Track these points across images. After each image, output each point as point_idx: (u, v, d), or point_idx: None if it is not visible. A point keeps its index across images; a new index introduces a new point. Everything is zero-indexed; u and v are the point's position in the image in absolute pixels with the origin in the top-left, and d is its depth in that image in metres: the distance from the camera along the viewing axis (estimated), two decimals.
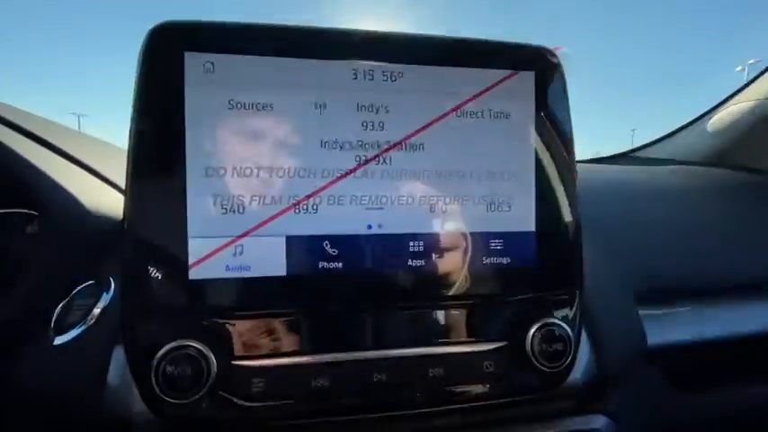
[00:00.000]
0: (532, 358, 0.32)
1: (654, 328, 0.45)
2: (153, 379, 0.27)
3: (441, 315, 0.33)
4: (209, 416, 0.30)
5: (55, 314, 0.36)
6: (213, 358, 0.28)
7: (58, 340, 0.35)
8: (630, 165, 0.88)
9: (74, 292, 0.37)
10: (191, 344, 0.28)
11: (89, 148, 0.44)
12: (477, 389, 0.33)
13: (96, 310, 0.36)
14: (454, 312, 0.34)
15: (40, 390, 0.34)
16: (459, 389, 0.33)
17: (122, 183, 0.30)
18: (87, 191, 0.40)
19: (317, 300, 0.32)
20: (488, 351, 0.33)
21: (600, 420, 0.40)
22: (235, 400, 0.30)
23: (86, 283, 0.38)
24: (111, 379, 0.33)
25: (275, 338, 0.31)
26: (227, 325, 0.30)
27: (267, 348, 0.31)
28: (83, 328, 0.35)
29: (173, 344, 0.27)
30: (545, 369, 0.32)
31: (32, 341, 0.36)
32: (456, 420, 0.37)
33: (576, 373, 0.37)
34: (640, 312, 0.46)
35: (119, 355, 0.33)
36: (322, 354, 0.31)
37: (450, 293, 0.33)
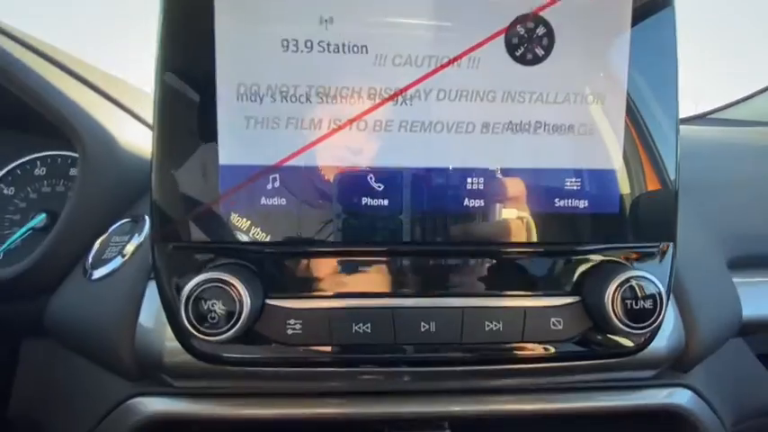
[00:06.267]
0: (613, 317, 0.26)
1: (750, 299, 0.39)
2: (182, 313, 0.25)
3: (499, 264, 0.29)
4: (240, 357, 0.28)
5: (93, 250, 0.36)
6: (246, 294, 0.25)
7: (95, 274, 0.34)
8: (708, 126, 0.77)
9: (110, 229, 0.36)
10: (221, 277, 0.25)
11: (120, 87, 0.43)
12: (539, 349, 0.29)
13: (130, 247, 0.35)
14: (516, 261, 0.29)
15: (76, 323, 0.33)
16: (517, 347, 0.29)
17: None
18: (125, 130, 0.39)
19: (357, 239, 0.28)
20: (556, 307, 0.28)
21: (684, 395, 0.34)
22: (268, 342, 0.27)
23: (122, 221, 0.37)
24: (145, 314, 0.31)
25: (314, 278, 0.28)
26: (261, 260, 0.28)
27: (305, 288, 0.28)
28: (118, 263, 0.34)
29: (202, 276, 0.25)
30: (628, 330, 0.26)
31: (70, 275, 0.35)
32: (511, 382, 0.33)
33: (661, 341, 0.32)
34: (735, 280, 0.39)
35: (153, 291, 0.32)
36: (364, 298, 0.28)
37: (512, 240, 0.28)
